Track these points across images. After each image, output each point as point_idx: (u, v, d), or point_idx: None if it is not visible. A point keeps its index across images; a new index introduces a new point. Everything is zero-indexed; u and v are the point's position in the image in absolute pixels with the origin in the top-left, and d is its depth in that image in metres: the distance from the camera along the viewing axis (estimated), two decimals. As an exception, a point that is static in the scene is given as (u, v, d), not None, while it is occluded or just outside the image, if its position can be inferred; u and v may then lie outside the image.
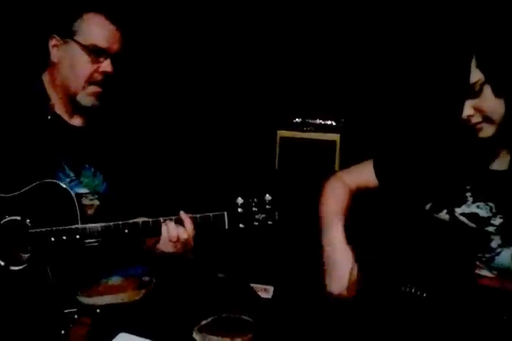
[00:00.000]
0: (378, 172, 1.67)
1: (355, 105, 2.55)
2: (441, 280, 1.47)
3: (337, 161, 2.48)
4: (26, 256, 1.51)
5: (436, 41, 2.28)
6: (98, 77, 1.65)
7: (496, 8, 2.08)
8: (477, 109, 1.44)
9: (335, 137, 2.50)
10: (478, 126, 1.45)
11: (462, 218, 1.52)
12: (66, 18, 1.66)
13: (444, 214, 1.55)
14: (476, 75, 1.42)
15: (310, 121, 2.56)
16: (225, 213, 1.56)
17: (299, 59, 2.57)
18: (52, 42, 1.67)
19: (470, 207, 1.52)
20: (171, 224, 1.55)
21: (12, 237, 1.51)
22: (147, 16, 2.46)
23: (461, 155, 1.56)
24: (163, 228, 1.55)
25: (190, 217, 1.56)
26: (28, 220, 1.52)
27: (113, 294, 1.56)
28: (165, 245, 1.56)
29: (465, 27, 2.09)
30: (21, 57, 2.17)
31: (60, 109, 1.71)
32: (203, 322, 1.49)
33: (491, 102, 1.42)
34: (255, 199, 1.57)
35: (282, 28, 2.54)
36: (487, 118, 1.44)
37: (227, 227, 1.56)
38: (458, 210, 1.53)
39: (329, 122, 2.55)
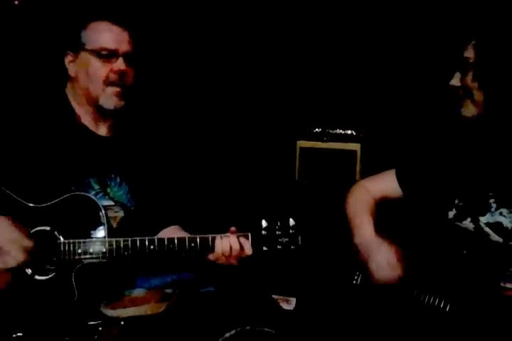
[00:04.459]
0: (401, 181, 1.67)
1: (375, 114, 2.54)
2: (466, 291, 1.46)
3: (358, 171, 2.47)
4: (53, 266, 1.52)
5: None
6: (114, 77, 1.68)
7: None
8: (462, 83, 1.52)
9: (355, 147, 2.50)
10: (463, 101, 1.52)
11: (487, 229, 1.51)
12: (73, 33, 1.71)
13: (468, 223, 1.54)
14: (469, 52, 1.50)
15: (330, 130, 2.55)
16: (249, 234, 1.57)
17: (319, 69, 2.58)
18: (68, 58, 1.73)
19: (494, 216, 1.50)
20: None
21: (40, 247, 1.52)
22: (157, 15, 2.49)
23: (482, 161, 1.56)
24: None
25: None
26: (56, 231, 1.53)
27: (137, 306, 1.57)
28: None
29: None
30: (43, 75, 2.23)
31: (86, 119, 1.74)
32: (227, 335, 1.49)
33: (473, 83, 1.49)
34: (279, 223, 1.58)
35: (302, 38, 2.56)
36: (470, 96, 1.50)
37: None
38: (482, 219, 1.52)
39: (349, 132, 2.54)
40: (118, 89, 1.69)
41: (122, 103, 1.71)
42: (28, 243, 1.48)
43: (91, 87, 1.69)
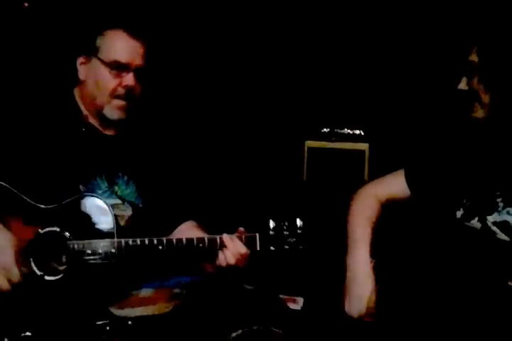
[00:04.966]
0: (410, 181, 1.66)
1: (383, 114, 2.54)
2: (474, 290, 1.45)
3: (366, 171, 2.47)
4: (62, 267, 1.54)
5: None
6: (121, 91, 1.68)
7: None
8: (470, 87, 1.53)
9: (364, 146, 2.49)
10: (471, 104, 1.54)
11: (494, 228, 1.50)
12: (89, 36, 1.71)
13: (475, 222, 1.53)
14: (473, 56, 1.51)
15: (338, 130, 2.55)
16: (257, 235, 1.58)
17: (328, 69, 2.58)
18: (80, 60, 1.73)
19: (501, 215, 1.50)
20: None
21: (50, 248, 1.53)
22: (171, 30, 2.50)
23: (489, 161, 1.55)
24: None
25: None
26: (66, 232, 1.55)
27: (144, 306, 1.58)
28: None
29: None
30: (53, 74, 2.24)
31: (92, 120, 1.75)
32: (233, 335, 1.49)
33: (479, 85, 1.51)
34: (286, 223, 1.58)
35: (312, 40, 2.56)
36: (478, 98, 1.51)
37: (258, 249, 1.58)
38: (490, 218, 1.51)
39: (358, 131, 2.54)
40: (123, 103, 1.69)
41: (125, 115, 1.71)
42: (16, 275, 1.47)
43: (97, 96, 1.69)
